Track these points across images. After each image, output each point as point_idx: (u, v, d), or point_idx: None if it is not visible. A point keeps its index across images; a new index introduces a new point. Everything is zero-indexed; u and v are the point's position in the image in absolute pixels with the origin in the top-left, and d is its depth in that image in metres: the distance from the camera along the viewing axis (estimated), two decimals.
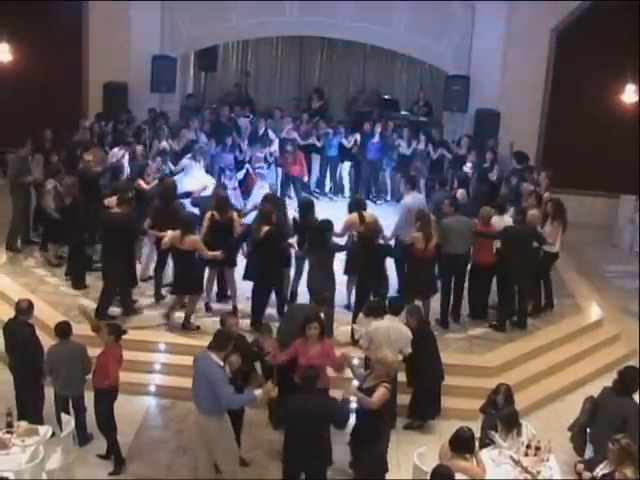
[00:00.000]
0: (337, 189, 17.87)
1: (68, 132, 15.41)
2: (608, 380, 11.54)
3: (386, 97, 20.83)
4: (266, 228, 11.28)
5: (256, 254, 11.56)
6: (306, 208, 12.22)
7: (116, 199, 11.83)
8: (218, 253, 11.21)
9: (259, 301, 11.59)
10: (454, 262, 12.03)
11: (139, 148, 14.37)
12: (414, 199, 13.10)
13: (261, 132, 16.64)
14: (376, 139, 17.08)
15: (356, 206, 12.36)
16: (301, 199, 13.39)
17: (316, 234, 11.43)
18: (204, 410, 8.42)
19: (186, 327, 11.42)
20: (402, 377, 10.18)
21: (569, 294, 13.76)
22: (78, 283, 12.54)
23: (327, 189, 17.84)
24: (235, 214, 11.91)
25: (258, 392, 8.41)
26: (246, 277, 11.76)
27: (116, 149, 14.43)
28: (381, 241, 11.96)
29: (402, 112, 20.17)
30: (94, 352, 9.80)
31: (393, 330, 9.76)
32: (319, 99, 19.68)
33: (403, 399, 10.27)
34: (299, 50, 21.43)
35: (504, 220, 12.31)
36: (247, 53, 21.70)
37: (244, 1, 17.31)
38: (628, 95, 15.41)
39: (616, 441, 8.01)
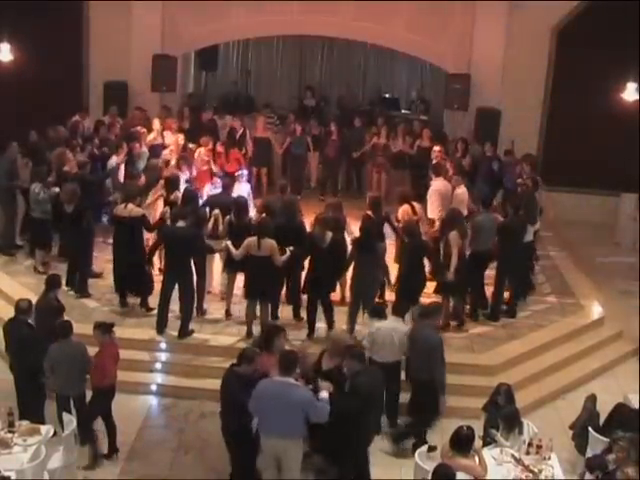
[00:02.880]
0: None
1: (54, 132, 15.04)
2: (609, 378, 11.65)
3: (386, 96, 20.84)
4: (330, 234, 11.07)
5: (319, 262, 11.14)
6: (375, 206, 12.15)
7: (183, 215, 11.34)
8: (285, 257, 11.09)
9: (315, 309, 11.38)
10: (481, 259, 12.11)
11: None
12: (441, 185, 13.58)
13: (240, 132, 16.53)
14: (334, 137, 17.10)
15: (405, 198, 12.73)
16: (370, 196, 12.93)
17: (366, 236, 11.33)
18: (288, 434, 8.07)
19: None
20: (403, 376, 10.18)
21: (570, 292, 13.77)
22: (83, 290, 12.32)
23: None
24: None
25: (325, 395, 8.26)
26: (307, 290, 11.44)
27: (115, 156, 14.07)
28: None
29: (403, 110, 20.18)
30: (95, 351, 9.82)
31: (396, 332, 9.73)
32: (312, 96, 19.75)
33: (402, 397, 10.26)
34: (299, 49, 21.46)
35: None
36: (248, 52, 21.73)
37: (244, 1, 17.30)
38: (629, 93, 15.40)
39: (622, 437, 8.05)
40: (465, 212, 12.92)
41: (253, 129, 16.80)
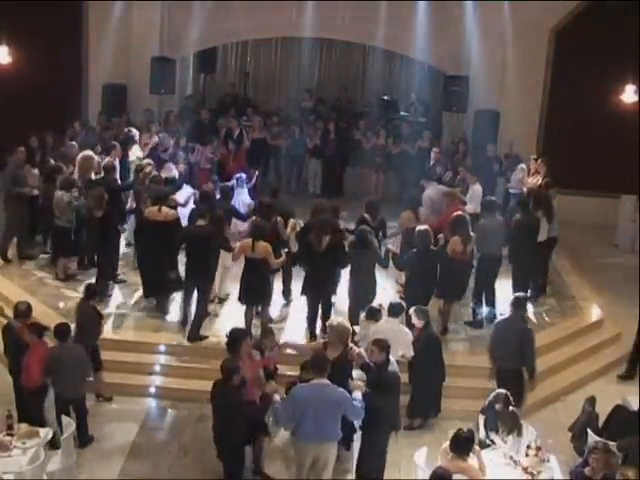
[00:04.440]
0: (300, 187, 17.92)
1: (54, 139, 15.02)
2: (609, 380, 11.64)
3: (385, 98, 20.85)
4: (327, 238, 11.03)
5: (315, 266, 11.15)
6: (373, 209, 12.12)
7: (201, 214, 11.38)
8: (282, 260, 11.16)
9: (315, 311, 11.39)
10: (490, 262, 12.12)
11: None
12: (435, 190, 13.62)
13: (236, 133, 16.63)
14: (332, 136, 17.19)
15: (410, 203, 12.71)
16: (369, 199, 12.91)
17: (361, 238, 11.28)
18: (330, 437, 8.22)
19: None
20: (405, 378, 10.15)
21: (570, 294, 13.77)
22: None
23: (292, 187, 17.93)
24: (280, 219, 11.66)
25: (358, 394, 8.35)
26: (305, 293, 11.43)
27: (108, 158, 13.81)
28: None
29: (401, 113, 20.20)
30: None
31: (393, 333, 9.74)
32: (310, 98, 19.84)
33: (402, 399, 10.24)
34: (298, 51, 21.44)
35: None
36: (246, 54, 21.76)
37: (243, 2, 17.31)
38: (628, 95, 15.41)
39: (595, 448, 8.04)
40: (479, 209, 13.06)
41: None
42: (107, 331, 11.37)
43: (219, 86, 21.36)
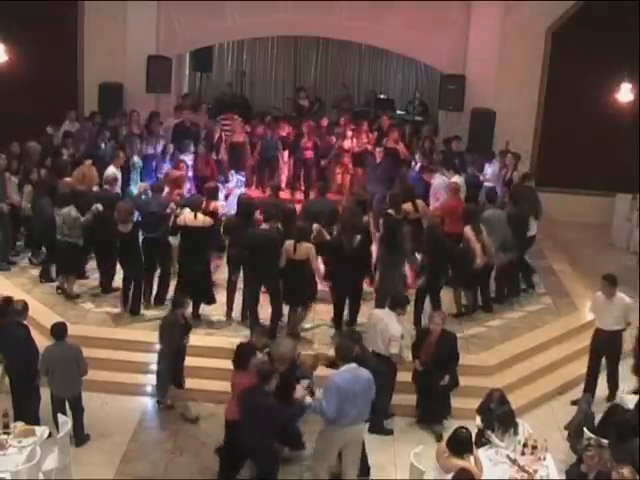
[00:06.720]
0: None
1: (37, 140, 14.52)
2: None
3: (381, 96, 20.86)
4: (358, 237, 11.22)
5: (345, 264, 11.32)
6: (397, 202, 12.29)
7: (263, 216, 11.55)
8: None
9: (342, 309, 11.59)
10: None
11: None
12: (442, 180, 14.04)
13: (216, 136, 16.45)
14: (306, 139, 17.14)
15: (407, 195, 12.81)
16: (392, 193, 13.04)
17: (392, 235, 11.44)
18: (365, 418, 8.48)
19: (293, 334, 11.15)
20: (403, 377, 10.20)
21: (565, 293, 13.78)
22: (137, 310, 11.87)
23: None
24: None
25: None
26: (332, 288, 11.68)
27: (112, 167, 13.55)
28: None
29: (398, 111, 20.20)
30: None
31: (383, 323, 9.78)
32: (305, 97, 19.79)
33: (409, 400, 10.34)
34: (294, 50, 21.48)
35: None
36: (242, 53, 21.75)
37: (239, 1, 17.30)
38: (623, 94, 15.42)
39: (589, 445, 8.05)
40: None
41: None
42: (104, 330, 11.40)
43: (215, 85, 21.36)
